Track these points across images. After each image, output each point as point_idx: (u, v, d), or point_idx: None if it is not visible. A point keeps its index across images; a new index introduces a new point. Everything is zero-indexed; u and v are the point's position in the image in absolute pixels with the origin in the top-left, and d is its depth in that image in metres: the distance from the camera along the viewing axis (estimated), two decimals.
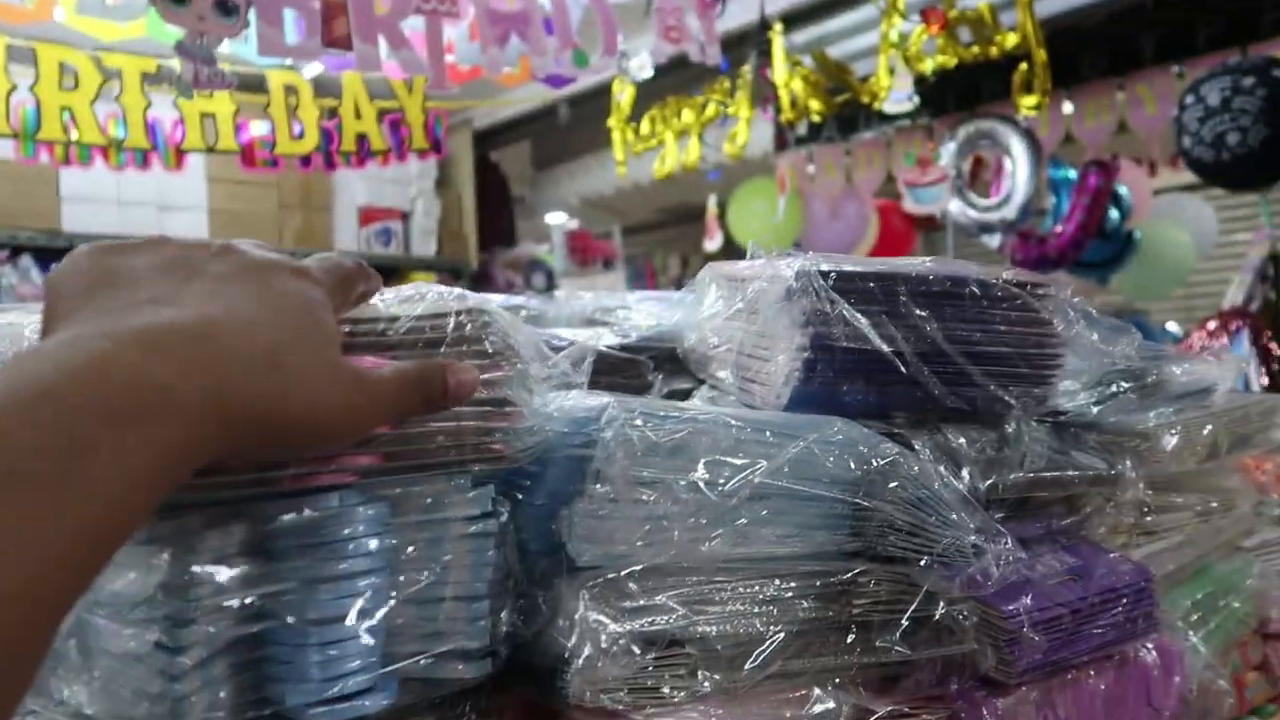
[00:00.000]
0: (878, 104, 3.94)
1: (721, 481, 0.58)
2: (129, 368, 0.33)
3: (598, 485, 0.55)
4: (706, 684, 0.55)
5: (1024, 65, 3.65)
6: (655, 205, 8.18)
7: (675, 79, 4.65)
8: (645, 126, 4.60)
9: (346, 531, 0.49)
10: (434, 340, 0.53)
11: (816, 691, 0.62)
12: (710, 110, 4.36)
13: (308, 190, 5.49)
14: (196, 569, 0.44)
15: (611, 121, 4.60)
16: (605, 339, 1.05)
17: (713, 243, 5.24)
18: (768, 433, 0.62)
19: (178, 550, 0.44)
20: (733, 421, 0.61)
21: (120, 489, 0.32)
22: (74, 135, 3.63)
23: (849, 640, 0.63)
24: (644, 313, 1.38)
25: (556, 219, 7.43)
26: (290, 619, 0.47)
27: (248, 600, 0.46)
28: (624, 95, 4.51)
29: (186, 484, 0.36)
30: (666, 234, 9.07)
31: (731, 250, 5.18)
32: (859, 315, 0.75)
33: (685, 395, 0.99)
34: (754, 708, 0.59)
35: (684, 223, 8.52)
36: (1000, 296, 0.80)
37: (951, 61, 3.63)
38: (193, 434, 0.35)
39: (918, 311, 0.78)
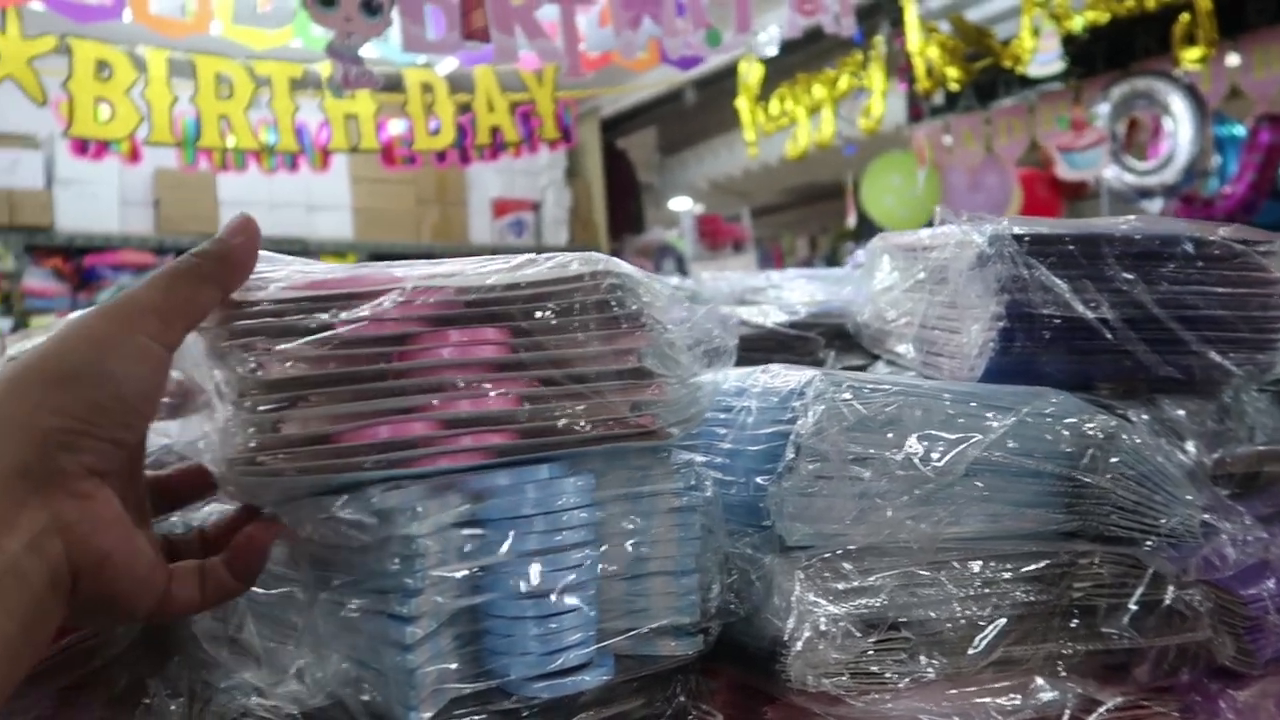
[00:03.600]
0: (1021, 67, 3.76)
1: (936, 457, 0.55)
2: None
3: (807, 461, 0.53)
4: (930, 669, 0.52)
5: (1185, 16, 3.41)
6: (782, 186, 8.04)
7: (801, 55, 4.54)
8: (775, 105, 4.52)
9: (559, 503, 0.48)
10: (561, 309, 0.48)
11: (1039, 680, 0.58)
12: (843, 84, 4.25)
13: (443, 185, 5.66)
14: (421, 540, 0.44)
15: (740, 101, 4.54)
16: (773, 316, 1.03)
17: (852, 219, 5.11)
18: (978, 404, 0.59)
19: (401, 521, 0.44)
20: (945, 393, 0.57)
21: None
22: (230, 142, 3.84)
23: (1072, 626, 0.59)
24: (796, 290, 1.34)
25: (682, 204, 7.40)
26: (508, 591, 0.47)
27: (468, 571, 0.46)
28: (752, 74, 4.44)
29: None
30: (792, 215, 8.90)
31: (864, 228, 5.04)
32: (1058, 280, 0.71)
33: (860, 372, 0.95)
34: (975, 696, 0.56)
35: (811, 203, 8.36)
36: (1218, 255, 0.74)
37: (1104, 17, 3.42)
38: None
39: (1124, 274, 0.72)
